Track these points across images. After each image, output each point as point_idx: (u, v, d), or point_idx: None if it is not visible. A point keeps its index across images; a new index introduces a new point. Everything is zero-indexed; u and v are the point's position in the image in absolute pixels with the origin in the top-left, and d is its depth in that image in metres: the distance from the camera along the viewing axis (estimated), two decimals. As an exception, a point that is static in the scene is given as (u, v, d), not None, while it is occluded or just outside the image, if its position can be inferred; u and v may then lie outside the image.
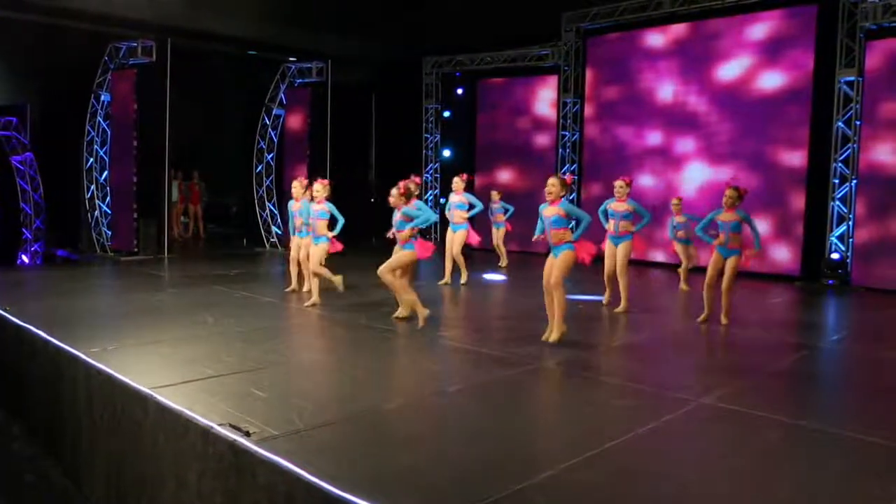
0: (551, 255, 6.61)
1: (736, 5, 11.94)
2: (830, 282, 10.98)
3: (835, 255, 11.08)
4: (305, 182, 9.05)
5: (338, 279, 8.39)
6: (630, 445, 4.11)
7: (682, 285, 10.21)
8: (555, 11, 14.21)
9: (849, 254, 11.01)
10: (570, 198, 14.46)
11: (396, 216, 7.34)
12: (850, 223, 11.04)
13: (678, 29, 12.83)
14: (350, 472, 3.58)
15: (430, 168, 16.37)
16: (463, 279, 10.32)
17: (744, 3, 11.81)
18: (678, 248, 10.34)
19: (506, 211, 12.45)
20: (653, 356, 6.65)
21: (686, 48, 12.73)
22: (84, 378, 5.65)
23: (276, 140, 14.58)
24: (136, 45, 12.06)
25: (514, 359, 6.06)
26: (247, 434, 4.10)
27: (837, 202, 11.14)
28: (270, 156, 14.63)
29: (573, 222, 6.64)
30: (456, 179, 10.71)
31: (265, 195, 14.62)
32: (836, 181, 11.14)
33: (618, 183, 8.69)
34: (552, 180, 6.63)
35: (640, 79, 13.35)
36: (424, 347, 6.50)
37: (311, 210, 8.43)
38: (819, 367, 6.49)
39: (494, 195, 12.54)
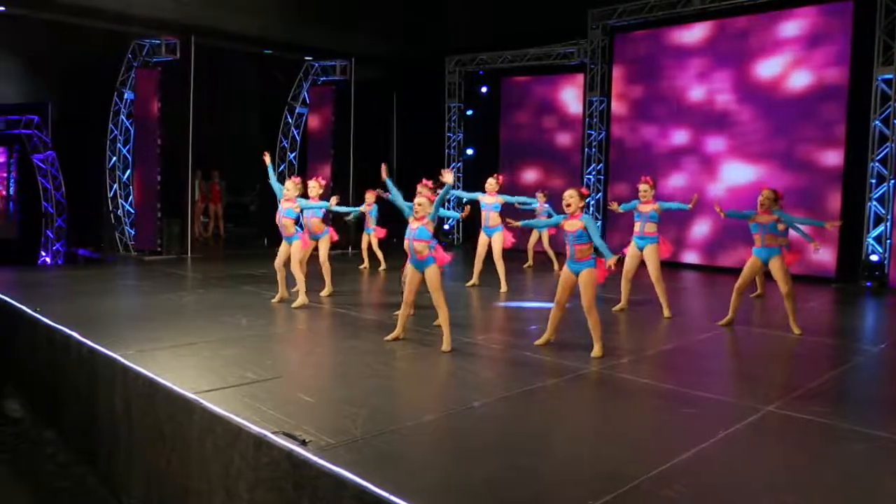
0: (567, 268, 6.24)
1: (769, 2, 11.71)
2: (868, 283, 10.73)
3: (874, 257, 10.83)
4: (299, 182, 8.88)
5: (303, 297, 8.04)
6: (708, 456, 3.91)
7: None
8: (581, 8, 14.00)
9: (886, 255, 10.77)
10: (597, 197, 14.29)
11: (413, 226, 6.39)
12: (888, 224, 10.79)
13: (708, 26, 12.59)
14: (421, 484, 3.41)
15: (453, 167, 16.17)
16: (503, 288, 9.63)
17: (776, -1, 11.60)
18: None
19: (549, 215, 11.98)
20: (701, 362, 6.44)
21: (716, 46, 12.49)
22: (122, 382, 5.50)
23: (298, 139, 14.42)
24: (159, 42, 11.93)
25: (559, 366, 5.87)
26: (303, 443, 3.93)
27: (875, 202, 10.88)
28: (293, 154, 14.47)
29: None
30: (490, 180, 10.23)
31: (287, 195, 14.43)
32: (874, 181, 10.88)
33: (642, 186, 8.48)
34: (570, 192, 6.21)
35: (668, 77, 13.12)
36: (467, 353, 6.29)
37: (280, 208, 8.27)
38: (876, 372, 6.26)
39: (540, 197, 11.93)
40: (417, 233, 6.24)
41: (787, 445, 4.24)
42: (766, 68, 11.86)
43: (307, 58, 14.06)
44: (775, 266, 7.35)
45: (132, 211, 12.73)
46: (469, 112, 16.16)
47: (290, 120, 14.30)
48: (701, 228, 12.69)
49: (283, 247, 8.22)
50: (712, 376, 5.94)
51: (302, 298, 8.04)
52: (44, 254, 12.61)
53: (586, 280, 6.06)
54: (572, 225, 6.11)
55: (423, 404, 4.85)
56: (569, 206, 6.12)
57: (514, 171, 15.47)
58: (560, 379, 5.48)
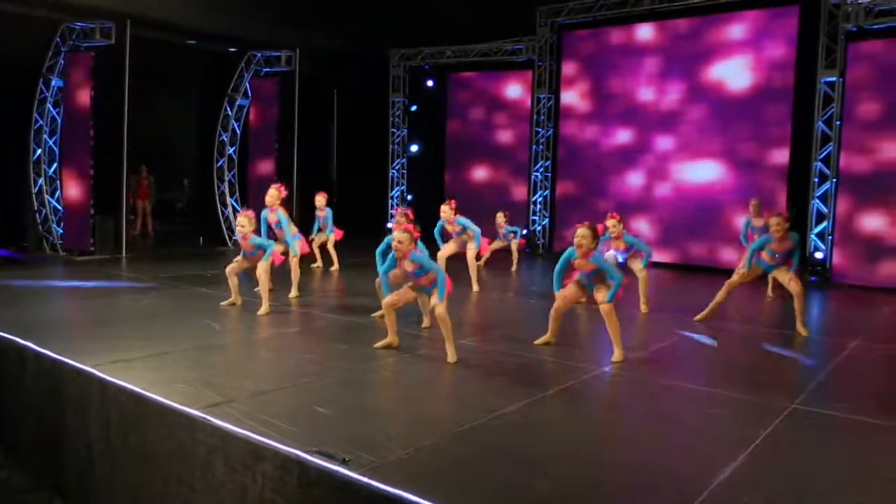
0: (576, 283, 6.10)
1: (717, 4, 11.98)
2: (813, 278, 11.14)
3: (818, 254, 11.25)
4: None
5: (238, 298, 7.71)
6: (762, 458, 3.82)
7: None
8: (529, 5, 13.95)
9: (829, 252, 11.21)
10: (544, 194, 14.30)
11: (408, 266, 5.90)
12: (830, 221, 11.24)
13: (657, 27, 12.79)
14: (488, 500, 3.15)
15: (398, 163, 15.85)
16: (475, 287, 9.32)
17: (725, 1, 11.86)
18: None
19: (514, 234, 11.88)
20: (705, 360, 6.42)
21: (665, 46, 12.70)
22: (99, 398, 4.95)
23: (239, 132, 13.74)
24: (94, 25, 11.05)
25: (568, 367, 5.72)
26: (343, 461, 3.59)
27: (818, 200, 11.31)
28: (233, 149, 13.78)
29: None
30: (444, 208, 9.25)
31: (227, 191, 13.76)
32: (817, 180, 11.31)
33: (610, 222, 7.91)
34: (582, 231, 5.77)
35: (617, 75, 13.25)
36: (469, 357, 5.97)
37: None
38: (872, 366, 6.39)
39: (500, 217, 11.74)
40: (415, 273, 5.83)
41: (830, 443, 4.21)
42: (715, 69, 12.13)
43: (237, 48, 13.39)
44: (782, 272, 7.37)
45: (59, 208, 11.77)
46: (413, 107, 15.87)
47: (229, 112, 13.59)
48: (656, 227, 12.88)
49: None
50: (723, 374, 5.89)
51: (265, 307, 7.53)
52: (-42, 254, 11.50)
53: (608, 319, 5.88)
54: (584, 265, 5.90)
55: (448, 413, 4.57)
56: (580, 246, 5.77)
57: (460, 168, 15.30)
58: (576, 381, 5.31)
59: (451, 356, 5.69)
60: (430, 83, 15.75)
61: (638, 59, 12.98)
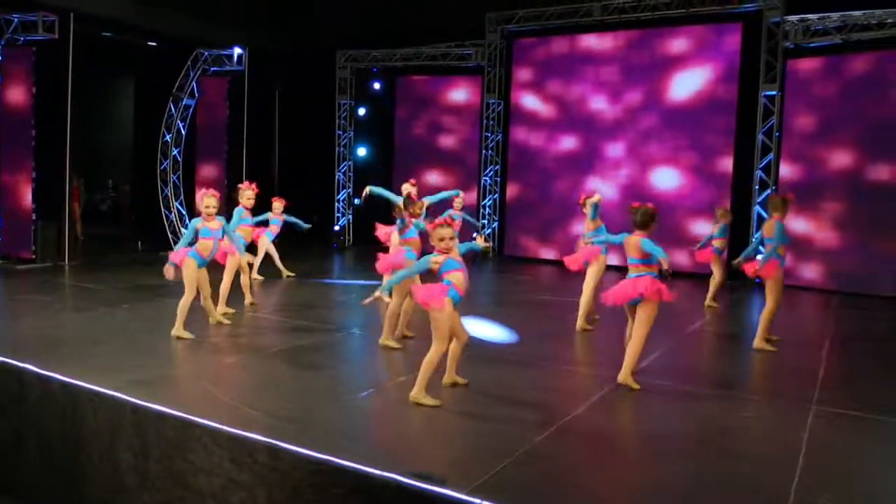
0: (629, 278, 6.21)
1: (664, 18, 12.51)
2: (758, 280, 11.80)
3: (759, 257, 11.93)
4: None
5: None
6: (827, 461, 4.09)
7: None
8: (479, 10, 14.09)
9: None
10: (494, 197, 14.51)
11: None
12: (769, 226, 11.96)
13: (607, 37, 13.22)
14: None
15: (344, 166, 15.66)
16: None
17: (672, 15, 12.40)
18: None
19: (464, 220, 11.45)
20: (699, 363, 6.74)
21: (614, 56, 13.14)
22: (132, 424, 4.67)
23: (184, 133, 13.19)
24: (35, 18, 10.33)
25: (586, 371, 5.88)
26: (441, 482, 3.59)
27: (759, 206, 12.02)
28: (177, 150, 13.22)
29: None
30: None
31: (171, 194, 13.18)
32: (757, 188, 12.03)
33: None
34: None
35: (566, 83, 13.59)
36: (501, 362, 6.02)
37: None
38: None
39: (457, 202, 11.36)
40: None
41: (873, 444, 4.53)
42: (662, 80, 12.66)
43: (200, 50, 12.89)
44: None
45: (-8, 213, 10.95)
46: (360, 110, 15.71)
47: (174, 112, 13.03)
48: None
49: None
50: (730, 377, 6.18)
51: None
52: None
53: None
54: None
55: (523, 418, 4.62)
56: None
57: (409, 171, 15.25)
58: (605, 390, 5.45)
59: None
60: (376, 86, 15.61)
61: (587, 67, 13.37)
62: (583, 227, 8.11)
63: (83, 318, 7.41)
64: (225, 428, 4.28)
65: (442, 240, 4.98)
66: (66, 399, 5.09)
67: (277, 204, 10.45)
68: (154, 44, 13.50)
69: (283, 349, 6.34)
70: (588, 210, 7.58)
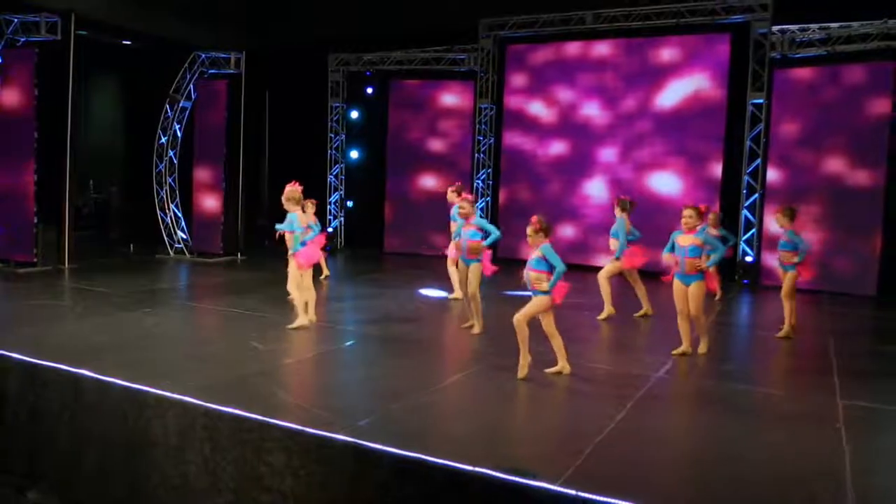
0: (679, 281, 6.79)
1: (655, 27, 12.91)
2: (745, 281, 12.32)
3: (748, 258, 12.45)
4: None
5: (307, 317, 7.48)
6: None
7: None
8: (472, 16, 14.29)
9: (757, 256, 12.44)
10: (487, 200, 14.74)
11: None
12: (756, 229, 12.47)
13: (600, 45, 13.56)
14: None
15: (336, 168, 15.72)
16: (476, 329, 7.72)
17: (664, 25, 12.81)
18: None
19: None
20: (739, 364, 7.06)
21: (607, 63, 13.50)
22: (204, 427, 4.77)
23: (180, 135, 13.13)
24: (38, 19, 10.22)
25: (622, 372, 6.15)
26: (533, 476, 3.81)
27: (746, 210, 12.51)
28: (173, 152, 13.14)
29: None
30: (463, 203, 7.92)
31: (167, 196, 13.10)
32: (745, 191, 12.51)
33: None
34: (688, 211, 6.77)
35: (559, 89, 13.90)
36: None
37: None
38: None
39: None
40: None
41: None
42: (654, 87, 13.06)
43: (198, 53, 12.83)
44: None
45: (-9, 216, 10.78)
46: (353, 112, 15.80)
47: (170, 114, 12.96)
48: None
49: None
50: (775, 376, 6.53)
51: (301, 319, 7.39)
52: None
53: (695, 292, 6.62)
54: (686, 240, 6.69)
55: (590, 412, 4.87)
56: (686, 223, 6.71)
57: (402, 174, 15.42)
58: (646, 392, 5.74)
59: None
60: (369, 90, 15.72)
61: (579, 74, 13.70)
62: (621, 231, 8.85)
63: (111, 323, 7.39)
64: (308, 430, 4.42)
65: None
66: (128, 404, 5.15)
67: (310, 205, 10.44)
68: (129, 43, 13.37)
69: (330, 350, 6.48)
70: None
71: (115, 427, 5.20)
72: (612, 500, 3.55)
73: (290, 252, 7.38)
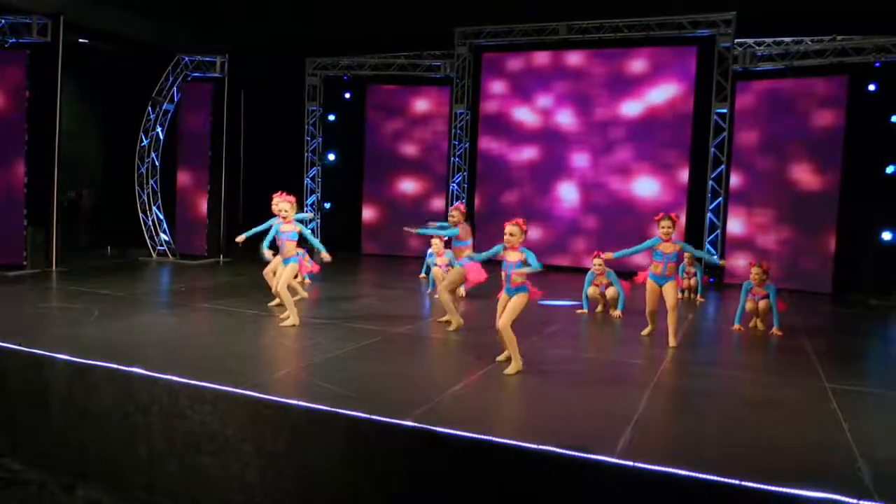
0: (653, 281, 7.58)
1: (626, 39, 13.60)
2: (712, 279, 13.10)
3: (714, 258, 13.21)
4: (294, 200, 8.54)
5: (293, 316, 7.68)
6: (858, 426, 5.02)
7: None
8: (447, 23, 14.69)
9: (721, 256, 13.23)
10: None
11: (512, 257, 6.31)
12: (719, 231, 13.28)
13: (573, 54, 14.18)
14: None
15: (312, 171, 15.91)
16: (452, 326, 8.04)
17: (634, 37, 13.51)
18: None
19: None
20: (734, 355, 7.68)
21: (579, 73, 14.13)
22: (265, 419, 5.03)
23: (163, 138, 13.13)
24: (29, 21, 10.16)
25: (642, 364, 6.68)
26: (585, 450, 4.27)
27: (710, 213, 13.31)
28: (155, 154, 13.14)
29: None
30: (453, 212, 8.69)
31: (149, 199, 13.09)
32: (710, 196, 13.30)
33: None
34: (665, 222, 7.46)
35: (533, 96, 14.47)
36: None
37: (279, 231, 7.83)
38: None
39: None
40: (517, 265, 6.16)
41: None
42: (625, 95, 13.76)
43: (181, 55, 12.87)
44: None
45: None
46: (331, 117, 16.02)
47: (152, 116, 12.96)
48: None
49: (280, 268, 7.85)
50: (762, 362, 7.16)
51: (293, 318, 7.66)
52: None
53: (669, 290, 7.39)
54: (668, 248, 7.41)
55: (623, 402, 5.37)
56: (667, 233, 7.43)
57: (378, 178, 15.73)
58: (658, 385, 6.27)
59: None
60: (346, 95, 15.96)
61: (553, 82, 14.30)
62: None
63: (137, 324, 7.42)
64: (375, 417, 4.75)
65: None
66: (183, 402, 5.36)
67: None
68: (110, 45, 13.34)
69: (358, 346, 6.79)
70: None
71: (170, 424, 5.39)
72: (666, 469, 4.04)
73: (288, 258, 7.73)
